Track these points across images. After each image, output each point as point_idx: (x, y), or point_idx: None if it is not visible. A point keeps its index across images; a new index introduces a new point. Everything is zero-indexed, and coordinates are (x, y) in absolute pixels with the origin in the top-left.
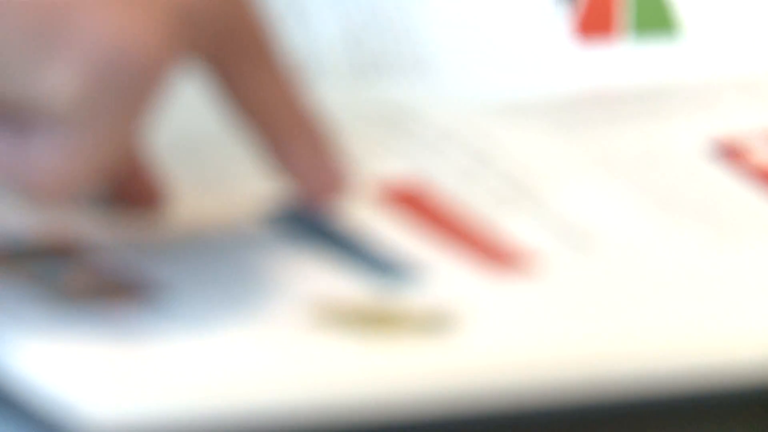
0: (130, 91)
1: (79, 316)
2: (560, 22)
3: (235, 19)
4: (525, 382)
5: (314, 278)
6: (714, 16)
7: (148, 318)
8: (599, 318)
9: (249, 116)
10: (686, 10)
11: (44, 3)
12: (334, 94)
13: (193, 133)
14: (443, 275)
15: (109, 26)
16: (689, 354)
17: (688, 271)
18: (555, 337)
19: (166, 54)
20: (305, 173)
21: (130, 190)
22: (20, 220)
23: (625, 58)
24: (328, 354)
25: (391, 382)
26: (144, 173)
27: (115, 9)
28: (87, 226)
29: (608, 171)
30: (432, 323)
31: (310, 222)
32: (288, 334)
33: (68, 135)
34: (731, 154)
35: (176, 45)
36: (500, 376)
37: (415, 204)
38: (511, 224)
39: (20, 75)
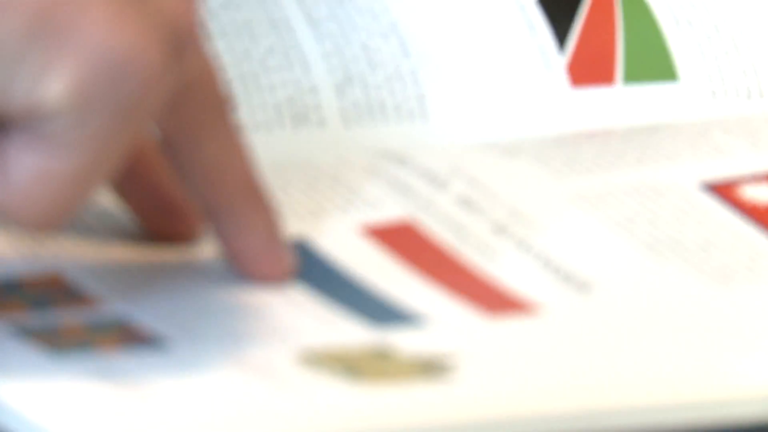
0: (128, 102)
1: (71, 362)
2: (556, 69)
3: (203, 75)
4: (521, 427)
5: (310, 319)
6: (704, 61)
7: (141, 361)
8: (594, 360)
9: (198, 182)
10: (679, 56)
11: (42, 2)
12: (328, 140)
13: None
14: (439, 319)
15: (111, 31)
16: (683, 395)
17: (680, 312)
18: (550, 381)
19: (166, 70)
20: (250, 255)
21: (165, 226)
22: (12, 255)
23: (618, 101)
24: (322, 397)
25: (385, 426)
26: (178, 209)
27: (113, 12)
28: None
29: (599, 210)
30: (428, 368)
31: (308, 259)
32: (282, 377)
33: (54, 156)
34: (722, 191)
35: (170, 67)
36: (497, 420)
37: (407, 246)
38: (504, 266)
39: (14, 78)
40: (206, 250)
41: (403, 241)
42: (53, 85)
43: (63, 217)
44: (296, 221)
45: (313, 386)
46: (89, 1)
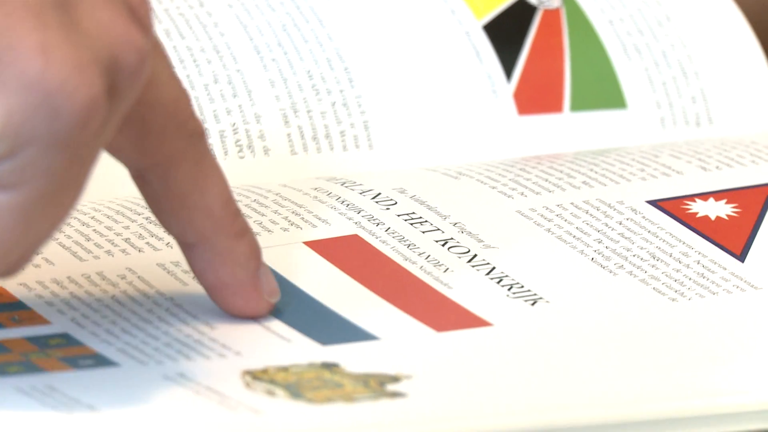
0: (63, 135)
1: (12, 379)
2: (503, 97)
3: (168, 101)
4: None
5: (258, 336)
6: (653, 89)
7: (86, 379)
8: (545, 375)
9: (172, 212)
10: (627, 84)
11: None
12: (273, 167)
13: None
14: (389, 335)
15: (43, 62)
16: (634, 409)
17: (631, 325)
18: (501, 397)
19: (101, 101)
20: (231, 288)
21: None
22: None
23: (566, 128)
24: (269, 415)
25: None
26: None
27: (45, 42)
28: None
29: (548, 226)
30: (377, 385)
31: None
32: (228, 395)
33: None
34: (670, 207)
35: (109, 95)
36: None
37: (355, 262)
38: (453, 281)
39: None
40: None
41: (351, 256)
42: None
43: (17, 259)
44: None
45: (259, 404)
46: (21, 30)
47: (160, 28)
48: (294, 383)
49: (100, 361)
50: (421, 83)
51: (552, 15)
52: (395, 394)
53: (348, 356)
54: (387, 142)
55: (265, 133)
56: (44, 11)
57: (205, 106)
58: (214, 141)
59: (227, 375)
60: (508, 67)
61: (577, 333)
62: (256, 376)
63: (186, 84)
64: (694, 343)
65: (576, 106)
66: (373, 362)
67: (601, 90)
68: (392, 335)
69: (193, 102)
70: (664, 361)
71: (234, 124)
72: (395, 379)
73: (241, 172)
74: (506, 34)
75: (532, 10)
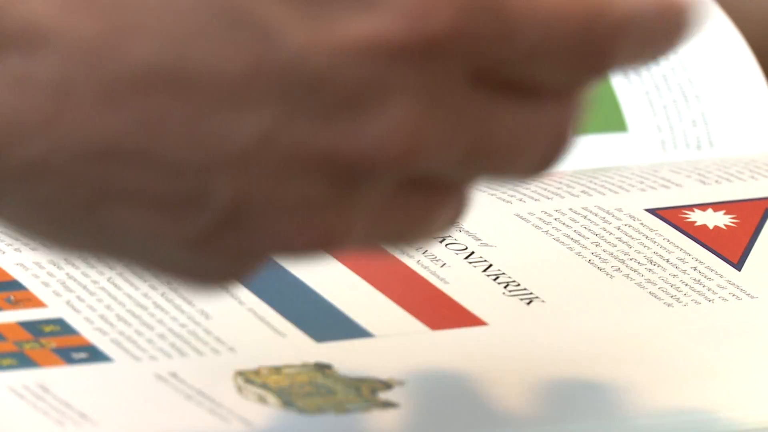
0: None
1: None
2: None
3: None
4: None
5: (255, 332)
6: (653, 112)
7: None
8: (539, 375)
9: None
10: (627, 107)
11: None
12: None
13: None
14: (385, 332)
15: None
16: (627, 413)
17: (626, 329)
18: (497, 397)
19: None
20: None
21: None
22: None
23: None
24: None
25: None
26: None
27: None
28: None
29: (546, 228)
30: (372, 384)
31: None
32: (218, 396)
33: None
34: (668, 215)
35: None
36: None
37: (353, 258)
38: (451, 279)
39: None
40: None
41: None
42: None
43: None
44: None
45: (250, 415)
46: None
47: None
48: (286, 389)
49: (94, 355)
50: None
51: None
52: (387, 404)
53: (341, 355)
54: None
55: None
56: None
57: None
58: None
59: (220, 376)
60: None
61: (572, 333)
62: (248, 378)
63: None
64: (688, 348)
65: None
66: (367, 363)
67: (602, 113)
68: (387, 333)
69: None
70: (657, 366)
71: None
72: (387, 385)
73: None
74: None
75: None
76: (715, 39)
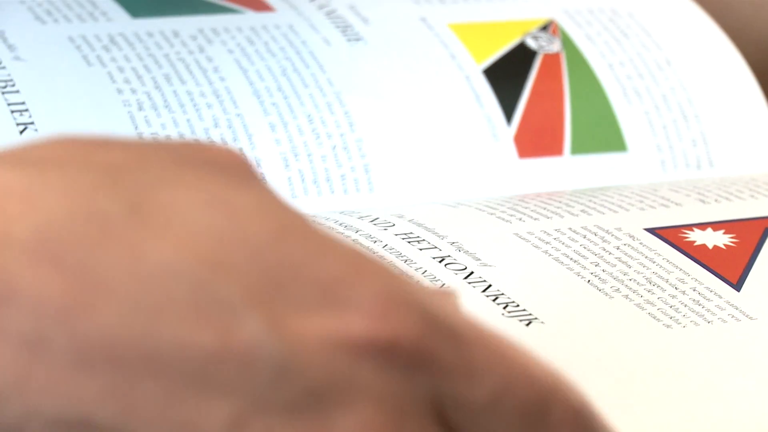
0: None
1: None
2: (504, 140)
3: None
4: None
5: None
6: (653, 132)
7: None
8: None
9: None
10: (627, 127)
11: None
12: None
13: None
14: None
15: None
16: None
17: (624, 351)
18: None
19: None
20: None
21: None
22: None
23: (566, 170)
24: None
25: None
26: None
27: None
28: None
29: (545, 248)
30: None
31: None
32: None
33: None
34: (668, 234)
35: None
36: None
37: None
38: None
39: None
40: None
41: None
42: None
43: None
44: None
45: None
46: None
47: (159, 73)
48: None
49: None
50: (421, 127)
51: (552, 59)
52: None
53: None
54: (388, 186)
55: (266, 177)
56: None
57: None
58: None
59: None
60: (509, 111)
61: (571, 354)
62: None
63: (187, 128)
64: (687, 370)
65: (576, 149)
66: None
67: (602, 133)
68: None
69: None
70: (655, 387)
71: None
72: None
73: None
74: (506, 78)
75: (532, 54)
76: (714, 59)
